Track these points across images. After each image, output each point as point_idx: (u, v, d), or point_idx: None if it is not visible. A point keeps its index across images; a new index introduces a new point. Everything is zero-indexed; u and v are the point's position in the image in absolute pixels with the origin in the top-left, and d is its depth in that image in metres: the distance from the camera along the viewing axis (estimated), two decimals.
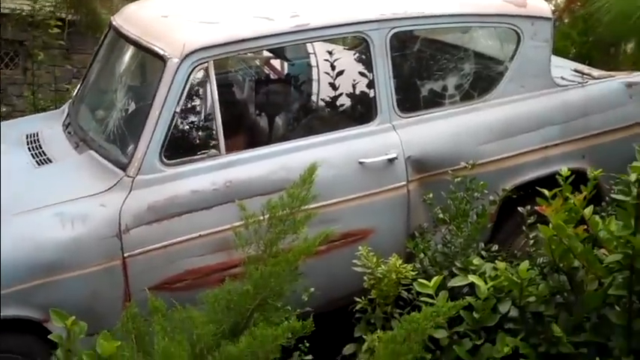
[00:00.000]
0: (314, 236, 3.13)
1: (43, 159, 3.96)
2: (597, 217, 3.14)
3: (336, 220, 3.74)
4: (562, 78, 4.48)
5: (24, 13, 6.68)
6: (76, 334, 2.84)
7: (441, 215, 3.76)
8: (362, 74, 4.66)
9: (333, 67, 4.97)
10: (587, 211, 3.14)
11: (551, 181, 3.61)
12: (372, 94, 4.11)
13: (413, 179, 4.03)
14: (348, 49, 5.19)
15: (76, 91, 4.68)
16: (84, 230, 3.51)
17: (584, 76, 4.56)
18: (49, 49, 6.80)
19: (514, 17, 4.32)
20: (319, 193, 3.29)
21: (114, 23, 4.34)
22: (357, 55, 4.90)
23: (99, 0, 6.94)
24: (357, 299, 3.47)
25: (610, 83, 4.51)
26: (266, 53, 5.13)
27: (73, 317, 2.84)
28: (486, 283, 3.26)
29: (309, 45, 4.96)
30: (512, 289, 3.25)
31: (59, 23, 6.61)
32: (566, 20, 6.75)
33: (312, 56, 5.18)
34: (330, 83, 4.93)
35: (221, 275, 3.53)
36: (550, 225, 3.10)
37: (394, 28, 4.07)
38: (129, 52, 4.25)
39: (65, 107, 4.60)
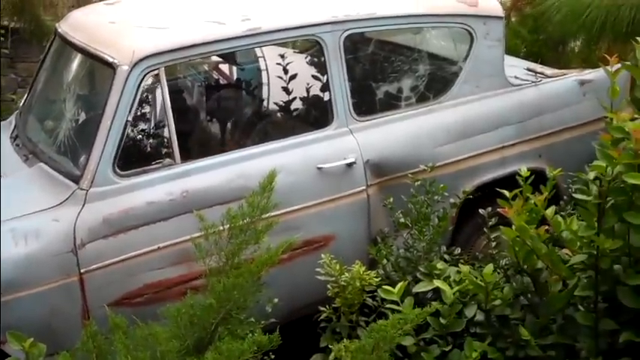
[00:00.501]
0: (276, 245, 3.07)
1: None
2: (559, 218, 3.14)
3: (297, 228, 3.69)
4: (516, 77, 4.50)
5: None
6: (35, 357, 2.73)
7: (402, 219, 3.73)
8: (316, 78, 4.65)
9: (285, 71, 4.92)
10: (549, 211, 3.13)
11: (509, 182, 3.62)
12: (327, 98, 4.06)
13: (372, 183, 4.00)
14: (299, 53, 5.14)
15: (22, 101, 4.53)
16: (38, 246, 3.40)
17: (538, 74, 4.59)
18: None
19: (466, 17, 4.31)
20: (279, 200, 3.24)
21: (59, 30, 4.23)
22: (310, 58, 4.87)
23: (43, 6, 6.75)
24: (322, 308, 3.42)
25: (563, 81, 4.53)
26: (217, 58, 5.05)
27: (32, 339, 2.72)
28: (451, 287, 3.23)
29: (260, 49, 4.88)
30: (477, 293, 3.23)
31: (1, 31, 6.41)
32: (513, 19, 6.79)
33: (263, 60, 5.12)
34: (283, 87, 4.88)
35: (182, 288, 3.45)
36: (513, 227, 3.08)
37: (347, 30, 4.03)
38: (76, 60, 4.13)
39: (12, 118, 4.47)
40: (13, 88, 7.22)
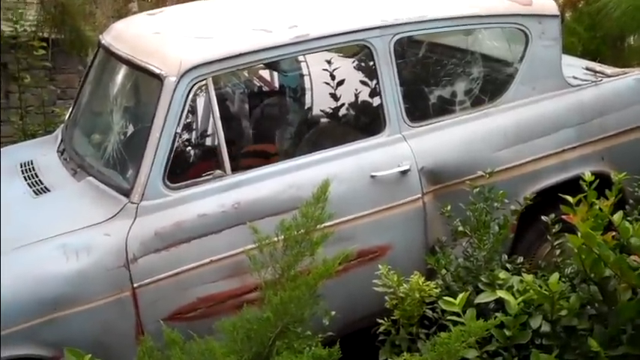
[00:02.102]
0: (332, 257, 3.10)
1: (41, 188, 3.91)
2: (627, 223, 3.12)
3: (351, 238, 3.73)
4: (574, 77, 4.47)
5: (5, 35, 6.62)
6: None
7: (460, 228, 3.73)
8: (365, 83, 4.66)
9: (332, 77, 4.95)
10: (617, 217, 3.11)
11: (571, 186, 3.61)
12: (378, 104, 4.09)
13: (428, 191, 4.02)
14: (346, 57, 5.16)
15: (68, 114, 4.63)
16: (89, 261, 3.46)
17: (597, 74, 4.56)
18: (32, 70, 6.73)
19: (520, 16, 4.31)
20: (333, 210, 3.27)
21: (103, 42, 4.31)
22: (358, 63, 4.88)
23: (83, 18, 6.88)
24: (380, 320, 3.43)
25: (625, 80, 4.50)
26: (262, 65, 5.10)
27: (90, 355, 2.79)
28: (515, 297, 3.23)
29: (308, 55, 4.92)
30: (542, 303, 3.22)
31: (43, 44, 6.55)
32: (568, 16, 6.74)
33: (308, 66, 5.16)
34: (331, 94, 4.91)
35: (235, 302, 3.51)
36: (578, 234, 3.07)
37: (397, 34, 4.06)
38: (122, 72, 4.22)
39: (58, 132, 4.56)
40: (53, 100, 7.35)
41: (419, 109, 4.20)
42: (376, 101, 4.22)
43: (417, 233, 4.01)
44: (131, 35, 4.24)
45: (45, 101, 6.84)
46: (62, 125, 4.64)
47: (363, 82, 4.70)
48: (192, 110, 4.08)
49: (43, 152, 4.30)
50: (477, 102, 4.29)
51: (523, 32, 4.31)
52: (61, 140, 4.35)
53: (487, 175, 3.88)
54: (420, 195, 4.00)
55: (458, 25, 4.35)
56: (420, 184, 4.00)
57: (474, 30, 4.48)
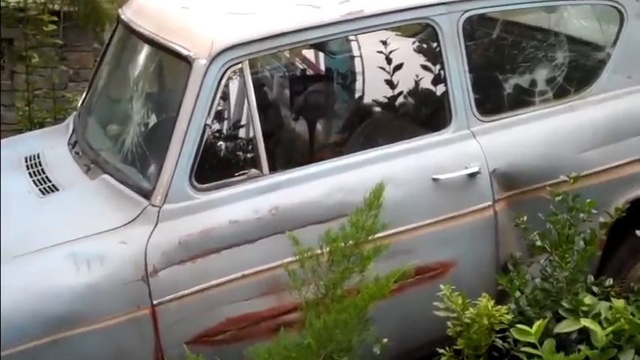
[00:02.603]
0: (386, 274, 3.11)
1: (48, 187, 3.96)
2: None
3: (408, 252, 3.73)
4: None
5: (11, 6, 6.71)
6: None
7: (538, 242, 3.71)
8: (427, 69, 4.67)
9: (389, 61, 4.94)
10: None
11: None
12: (443, 94, 4.09)
13: (500, 198, 4.00)
14: (406, 37, 5.16)
15: (81, 100, 4.69)
16: (103, 274, 3.49)
17: None
18: (41, 48, 6.82)
19: None
20: (388, 219, 3.29)
21: (123, 17, 4.36)
22: (421, 44, 4.88)
23: None
24: (441, 350, 3.42)
25: None
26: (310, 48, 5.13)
27: None
28: (603, 327, 3.19)
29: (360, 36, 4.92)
30: (635, 334, 3.18)
31: (54, 18, 6.62)
32: None
33: (363, 49, 5.17)
34: (387, 81, 4.91)
35: (272, 324, 3.52)
36: None
37: (467, 11, 4.05)
38: (144, 53, 4.26)
39: (69, 121, 4.62)
40: (64, 82, 7.44)
41: (491, 101, 4.18)
42: (440, 90, 4.23)
43: (486, 248, 3.99)
44: (155, 10, 4.28)
45: (55, 84, 6.92)
46: (74, 113, 4.69)
47: (424, 67, 4.71)
48: (225, 98, 4.12)
49: (52, 144, 4.35)
50: (560, 93, 4.25)
51: (617, 10, 4.28)
52: (73, 131, 4.40)
53: (571, 181, 3.84)
54: (490, 202, 3.98)
55: (540, 1, 4.32)
56: (492, 189, 3.98)
57: (558, 7, 4.46)
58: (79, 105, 4.71)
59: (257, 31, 3.77)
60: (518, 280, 3.68)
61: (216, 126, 4.08)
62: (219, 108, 4.09)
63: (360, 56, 5.22)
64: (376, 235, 3.24)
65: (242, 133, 4.26)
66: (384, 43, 4.94)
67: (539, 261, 3.78)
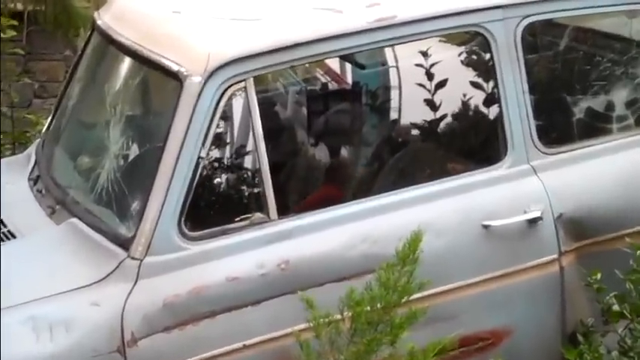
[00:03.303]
0: (424, 346, 3.12)
1: (3, 233, 3.97)
2: None
3: (452, 318, 3.75)
4: None
5: None
6: None
7: (615, 306, 3.71)
8: (478, 87, 4.64)
9: (429, 77, 4.94)
10: None
11: None
12: (496, 119, 4.10)
13: (568, 250, 4.01)
14: (451, 48, 5.16)
15: (47, 124, 4.71)
16: (69, 343, 3.49)
17: None
18: None
19: None
20: (426, 276, 3.29)
21: (100, 23, 4.38)
22: (470, 57, 4.87)
23: None
24: None
25: None
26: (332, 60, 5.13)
27: None
28: None
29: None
30: None
31: (14, 22, 6.66)
32: None
33: (397, 62, 5.16)
34: (427, 101, 4.89)
35: None
36: None
37: (528, 16, 4.07)
38: (125, 67, 4.29)
39: (31, 150, 4.65)
40: (27, 99, 7.46)
41: (557, 129, 4.20)
42: (493, 114, 4.24)
43: (549, 312, 4.00)
44: (139, 15, 4.31)
45: (15, 102, 6.92)
46: (38, 140, 4.70)
47: (474, 85, 4.68)
48: (225, 124, 4.10)
49: (8, 179, 4.38)
50: None
51: None
52: (35, 163, 4.42)
53: None
54: (556, 255, 3.99)
55: (621, 4, 4.35)
56: (557, 239, 3.99)
57: None
58: (43, 130, 4.73)
59: (264, 42, 3.79)
60: (589, 355, 3.66)
61: (212, 159, 4.07)
62: (217, 136, 4.08)
63: (396, 69, 5.21)
64: (411, 297, 3.24)
65: (245, 167, 4.25)
66: (424, 53, 4.92)
67: (617, 330, 3.77)
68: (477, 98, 4.63)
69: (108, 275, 3.62)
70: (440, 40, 4.93)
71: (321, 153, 4.86)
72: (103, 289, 3.59)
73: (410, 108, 5.03)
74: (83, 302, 3.57)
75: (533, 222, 3.96)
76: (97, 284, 3.61)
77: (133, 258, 3.63)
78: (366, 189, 4.46)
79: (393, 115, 5.09)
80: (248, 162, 4.24)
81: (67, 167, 4.32)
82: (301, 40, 3.81)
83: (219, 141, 4.17)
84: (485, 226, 3.92)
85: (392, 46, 4.42)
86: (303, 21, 3.93)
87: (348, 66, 5.43)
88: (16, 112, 6.90)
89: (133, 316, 3.55)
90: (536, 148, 4.04)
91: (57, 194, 4.08)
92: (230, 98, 3.78)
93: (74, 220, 3.89)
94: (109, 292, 3.59)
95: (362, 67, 5.33)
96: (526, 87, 4.04)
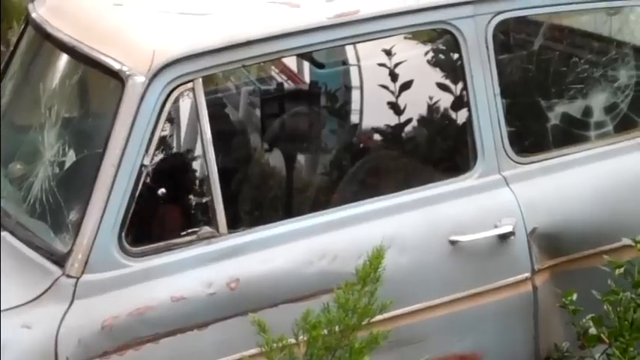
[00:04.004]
0: None
1: None
2: None
3: (417, 342, 3.76)
4: None
5: None
6: None
7: (592, 330, 3.72)
8: (445, 89, 4.65)
9: (393, 78, 4.93)
10: None
11: None
12: (466, 124, 4.11)
13: (542, 268, 4.02)
14: (416, 46, 5.15)
15: None
16: None
17: None
18: None
19: None
20: (389, 296, 3.24)
21: (34, 16, 4.34)
22: (436, 56, 4.88)
23: None
24: None
25: None
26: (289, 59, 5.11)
27: None
28: None
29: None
30: None
31: None
32: None
33: (358, 62, 5.16)
34: (390, 105, 4.89)
35: None
36: None
37: (500, 13, 4.07)
38: (62, 65, 4.27)
39: None
40: None
41: (531, 136, 4.24)
42: (462, 119, 4.28)
43: (521, 336, 4.01)
44: (78, 7, 4.27)
45: None
46: None
47: (441, 87, 4.70)
48: (170, 129, 4.07)
49: None
50: (623, 125, 4.31)
51: None
52: None
53: (638, 246, 3.83)
54: (528, 274, 4.00)
55: (601, 0, 4.39)
56: (530, 256, 4.00)
57: (623, 7, 4.52)
58: None
59: (214, 39, 3.77)
60: None
61: (156, 167, 4.03)
62: (162, 142, 4.04)
63: (358, 68, 5.21)
64: (373, 320, 3.21)
65: (193, 176, 4.22)
66: (388, 52, 4.92)
67: (594, 355, 3.79)
68: (445, 101, 4.66)
69: (41, 295, 3.58)
70: (405, 38, 4.93)
71: (275, 160, 4.84)
72: (35, 310, 3.55)
73: (372, 111, 5.05)
74: (13, 324, 3.52)
75: (504, 237, 3.96)
76: (29, 305, 3.57)
77: (68, 276, 3.58)
78: (324, 200, 4.47)
79: (355, 119, 5.09)
80: (196, 170, 4.21)
81: None
82: (255, 37, 3.79)
83: (164, 147, 4.11)
84: (453, 242, 3.92)
85: (354, 44, 4.40)
86: (257, 16, 3.92)
87: (306, 65, 5.42)
88: None
89: (68, 339, 3.51)
90: (508, 156, 4.05)
91: None
92: (176, 100, 3.77)
93: (4, 234, 3.85)
94: (41, 313, 3.54)
95: (321, 66, 5.31)
96: (497, 90, 4.04)
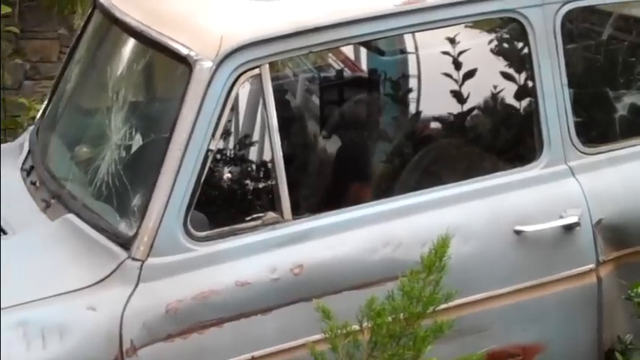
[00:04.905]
0: None
1: None
2: None
3: (479, 332, 3.75)
4: None
5: None
6: None
7: None
8: (510, 79, 4.62)
9: (457, 66, 4.91)
10: None
11: None
12: (532, 114, 4.10)
13: (607, 259, 4.00)
14: (481, 34, 5.13)
15: (41, 110, 4.68)
16: (62, 350, 3.47)
17: None
18: None
19: None
20: (453, 285, 3.26)
21: (102, 0, 4.36)
22: (502, 46, 4.85)
23: None
24: None
25: None
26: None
27: None
28: None
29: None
30: None
31: None
32: None
33: (422, 50, 5.14)
34: (454, 93, 4.86)
35: None
36: None
37: (569, 2, 4.05)
38: (129, 50, 4.28)
39: (24, 139, 4.63)
40: (18, 81, 7.45)
41: (598, 126, 4.22)
42: (528, 108, 4.24)
43: (585, 327, 4.00)
44: None
45: (6, 85, 6.90)
46: (31, 127, 4.68)
47: (506, 77, 4.66)
48: (236, 114, 4.08)
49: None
50: None
51: None
52: (29, 152, 4.41)
53: None
54: (593, 265, 3.98)
55: None
56: (595, 247, 3.98)
57: None
58: (38, 116, 4.71)
59: (282, 25, 3.78)
60: None
61: (222, 152, 4.05)
62: (228, 127, 4.07)
63: (419, 62, 5.18)
64: (437, 308, 3.21)
65: (258, 162, 4.23)
66: (451, 40, 4.89)
67: None
68: (509, 91, 4.60)
69: (106, 277, 3.60)
70: (466, 26, 4.92)
71: (337, 147, 4.84)
72: (100, 293, 3.57)
73: (435, 100, 5.01)
74: (79, 306, 3.55)
75: (569, 228, 3.94)
76: (94, 287, 3.59)
77: (134, 259, 3.61)
78: (388, 188, 4.45)
79: (416, 110, 5.06)
80: (261, 156, 4.21)
81: (64, 158, 4.31)
82: (323, 24, 3.78)
83: (230, 132, 4.14)
84: (518, 232, 3.91)
85: (421, 31, 4.38)
86: (325, 2, 3.91)
87: (364, 52, 5.41)
88: (5, 97, 6.89)
89: (133, 322, 3.53)
90: (575, 147, 4.03)
91: (52, 187, 4.07)
92: (243, 86, 3.76)
93: (70, 215, 3.87)
94: (107, 295, 3.56)
95: (381, 53, 5.30)
96: (565, 80, 4.03)
